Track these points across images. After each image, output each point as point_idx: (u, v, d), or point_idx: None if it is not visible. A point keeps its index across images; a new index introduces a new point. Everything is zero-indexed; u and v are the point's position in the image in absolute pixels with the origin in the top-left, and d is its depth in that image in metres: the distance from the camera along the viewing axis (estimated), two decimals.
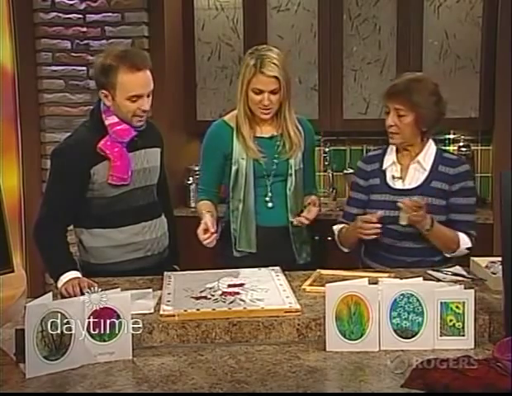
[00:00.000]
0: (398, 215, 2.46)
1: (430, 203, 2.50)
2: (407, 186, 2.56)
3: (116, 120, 2.45)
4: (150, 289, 2.24)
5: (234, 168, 2.64)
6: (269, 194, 2.66)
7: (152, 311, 2.04)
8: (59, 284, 2.30)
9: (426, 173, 2.55)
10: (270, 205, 2.67)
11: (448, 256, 2.56)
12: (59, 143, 2.67)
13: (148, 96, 2.44)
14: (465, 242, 2.54)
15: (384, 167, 2.61)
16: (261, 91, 2.55)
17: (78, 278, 2.30)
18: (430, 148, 2.59)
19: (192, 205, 4.19)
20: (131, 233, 2.54)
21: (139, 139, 2.51)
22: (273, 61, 2.53)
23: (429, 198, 2.51)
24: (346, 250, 2.67)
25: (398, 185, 2.57)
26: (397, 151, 2.61)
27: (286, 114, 2.63)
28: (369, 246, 2.64)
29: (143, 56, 2.48)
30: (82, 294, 1.96)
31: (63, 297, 2.15)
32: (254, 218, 2.65)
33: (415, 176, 2.56)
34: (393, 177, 2.58)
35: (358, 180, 2.67)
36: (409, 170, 2.58)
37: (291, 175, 2.66)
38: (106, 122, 2.45)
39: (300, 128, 2.68)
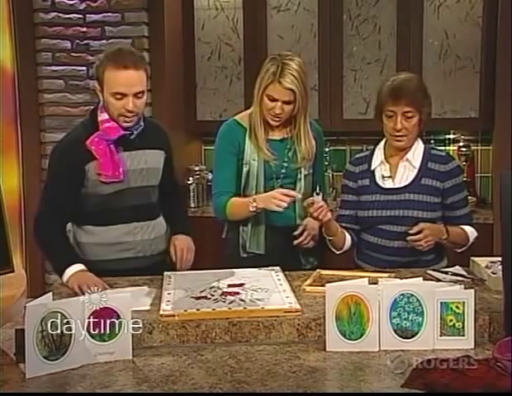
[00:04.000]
0: (390, 215, 2.51)
1: (421, 200, 2.51)
2: (397, 185, 2.55)
3: (106, 117, 2.46)
4: (145, 287, 2.27)
5: (245, 169, 2.64)
6: None
7: (148, 308, 2.05)
8: (65, 277, 2.31)
9: (416, 171, 2.55)
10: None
11: (459, 251, 2.59)
12: (58, 140, 2.68)
13: (136, 96, 2.40)
14: (472, 233, 2.60)
15: (373, 167, 2.60)
16: (275, 99, 2.54)
17: (85, 271, 2.31)
18: (418, 146, 2.58)
19: (192, 205, 4.19)
20: (121, 232, 2.54)
21: (137, 139, 2.50)
22: (293, 72, 2.50)
23: (420, 195, 2.52)
24: (337, 252, 2.65)
25: (388, 184, 2.57)
26: (385, 151, 2.61)
27: (301, 125, 2.62)
28: (361, 247, 2.64)
29: (135, 56, 2.45)
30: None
31: (75, 294, 2.14)
32: (264, 219, 2.64)
33: (405, 174, 2.56)
34: (383, 177, 2.58)
35: (347, 182, 2.66)
36: (398, 168, 2.57)
37: (300, 179, 2.67)
38: (99, 118, 2.47)
39: (313, 140, 2.66)
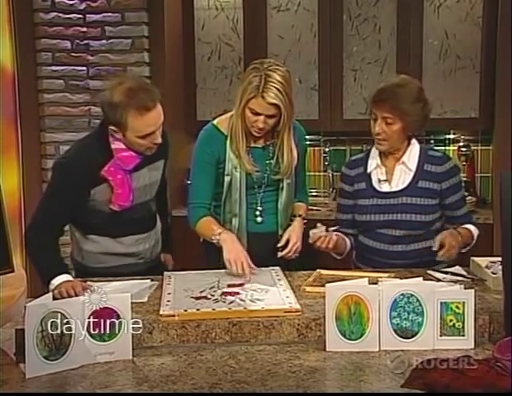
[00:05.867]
0: (388, 219, 2.50)
1: (418, 203, 2.50)
2: (394, 189, 2.53)
3: (122, 146, 2.41)
4: (148, 280, 2.33)
5: (227, 179, 2.56)
6: (259, 208, 2.61)
7: (145, 300, 2.11)
8: (51, 287, 2.27)
9: (412, 174, 2.52)
10: (259, 219, 2.61)
11: (464, 251, 2.56)
12: (63, 154, 2.65)
13: (160, 127, 2.39)
14: (476, 231, 2.59)
15: (369, 170, 2.57)
16: (258, 113, 2.44)
17: (71, 281, 2.27)
18: (414, 148, 2.56)
19: None
20: (126, 244, 2.55)
21: (142, 160, 2.48)
22: (277, 85, 2.39)
23: (417, 198, 2.50)
24: (338, 257, 2.63)
25: (385, 188, 2.55)
26: (381, 153, 2.57)
27: (284, 136, 2.53)
28: (360, 250, 2.63)
29: (152, 93, 2.38)
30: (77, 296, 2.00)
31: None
32: (245, 226, 2.58)
33: (401, 177, 2.54)
34: (379, 181, 2.55)
35: (344, 185, 2.64)
36: (394, 172, 2.54)
37: (282, 189, 2.61)
38: (113, 146, 2.42)
39: (295, 151, 2.59)
